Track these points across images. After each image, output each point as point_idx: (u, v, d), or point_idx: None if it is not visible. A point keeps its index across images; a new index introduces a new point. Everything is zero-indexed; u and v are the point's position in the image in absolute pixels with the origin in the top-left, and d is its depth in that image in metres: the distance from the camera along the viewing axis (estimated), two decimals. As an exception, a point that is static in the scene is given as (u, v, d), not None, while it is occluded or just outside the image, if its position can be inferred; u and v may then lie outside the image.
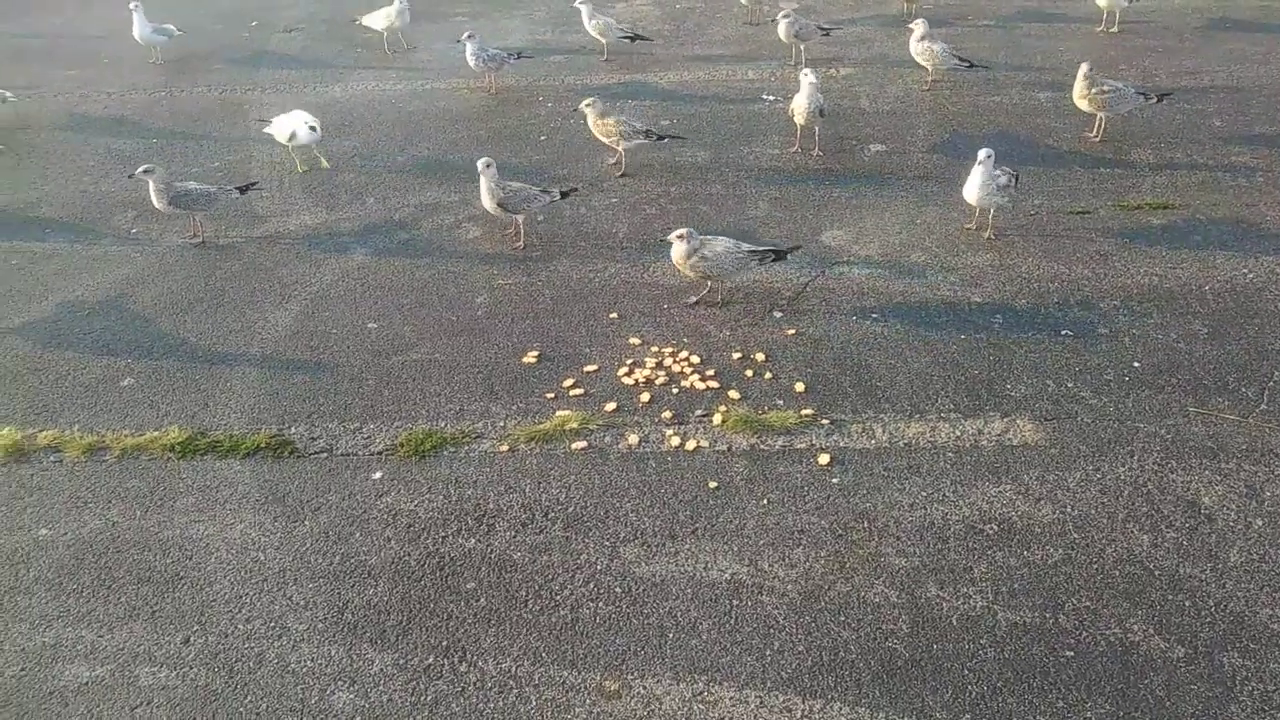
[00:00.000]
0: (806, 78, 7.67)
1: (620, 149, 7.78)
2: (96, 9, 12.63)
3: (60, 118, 9.55)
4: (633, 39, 10.32)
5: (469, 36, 9.19)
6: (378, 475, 4.93)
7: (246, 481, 4.94)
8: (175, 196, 6.93)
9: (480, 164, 6.57)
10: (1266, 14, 10.88)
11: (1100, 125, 8.05)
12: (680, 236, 5.82)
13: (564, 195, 6.88)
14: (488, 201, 6.67)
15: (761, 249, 6.03)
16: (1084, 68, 7.68)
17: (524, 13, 12.11)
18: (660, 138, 7.77)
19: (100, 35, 11.88)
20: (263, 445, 5.15)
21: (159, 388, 5.66)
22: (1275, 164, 7.57)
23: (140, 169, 6.88)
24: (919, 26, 9.03)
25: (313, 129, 7.76)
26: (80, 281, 6.75)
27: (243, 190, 7.25)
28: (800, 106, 7.75)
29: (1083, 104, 7.82)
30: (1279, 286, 6.08)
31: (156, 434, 5.27)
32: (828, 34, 9.95)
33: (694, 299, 6.15)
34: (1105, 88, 7.76)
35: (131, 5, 10.46)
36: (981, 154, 6.36)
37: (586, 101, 7.77)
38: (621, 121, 7.69)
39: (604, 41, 10.31)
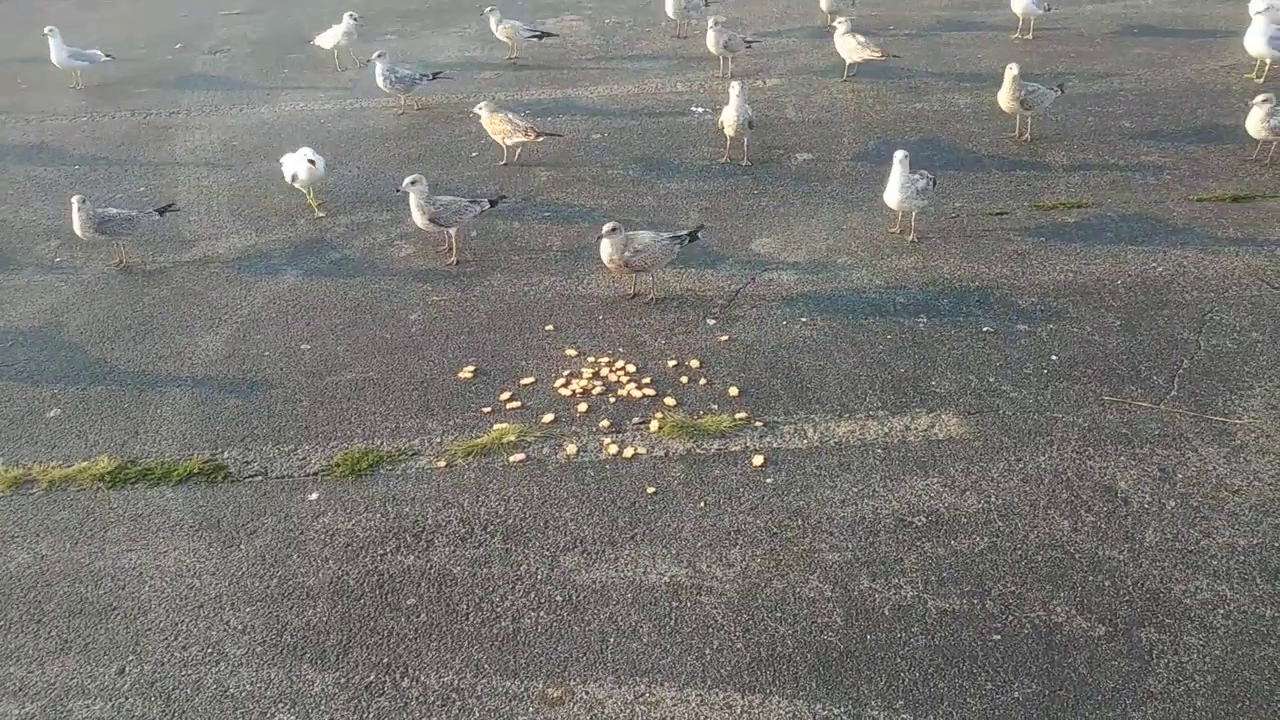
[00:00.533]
0: (734, 90, 7.83)
1: (506, 145, 8.28)
2: (12, 33, 12.34)
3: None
4: (540, 36, 10.74)
5: (379, 56, 9.21)
6: (314, 496, 4.91)
7: (179, 508, 4.88)
8: (100, 223, 6.82)
9: (407, 181, 6.59)
10: (1172, 20, 11.35)
11: (1028, 125, 8.34)
12: (613, 229, 6.00)
13: (493, 204, 6.96)
14: (419, 218, 6.68)
15: (679, 233, 6.33)
16: (1013, 69, 7.93)
17: (456, 30, 12.13)
18: (541, 135, 8.16)
19: (19, 59, 11.62)
20: (195, 471, 5.09)
21: (87, 417, 5.56)
22: (1181, 162, 7.90)
23: (74, 198, 6.75)
24: (841, 24, 9.53)
25: (311, 162, 7.43)
26: (2, 312, 6.60)
27: (161, 212, 7.17)
28: (729, 119, 7.91)
29: (1009, 105, 8.07)
30: (1186, 279, 6.35)
31: (85, 464, 5.17)
32: (750, 46, 10.16)
33: (633, 294, 6.29)
34: (1030, 87, 8.05)
35: (46, 30, 10.27)
36: (897, 155, 6.57)
37: (479, 105, 8.30)
38: (507, 119, 8.15)
39: (510, 44, 10.73)
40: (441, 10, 12.73)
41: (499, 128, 8.16)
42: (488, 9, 10.70)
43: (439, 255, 7.01)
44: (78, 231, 6.82)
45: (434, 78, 9.57)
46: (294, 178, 7.51)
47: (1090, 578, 4.22)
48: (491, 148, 8.71)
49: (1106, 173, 7.81)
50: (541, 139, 8.14)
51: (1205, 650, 3.87)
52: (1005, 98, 8.09)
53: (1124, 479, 4.74)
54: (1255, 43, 8.99)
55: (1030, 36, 10.80)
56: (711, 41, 9.74)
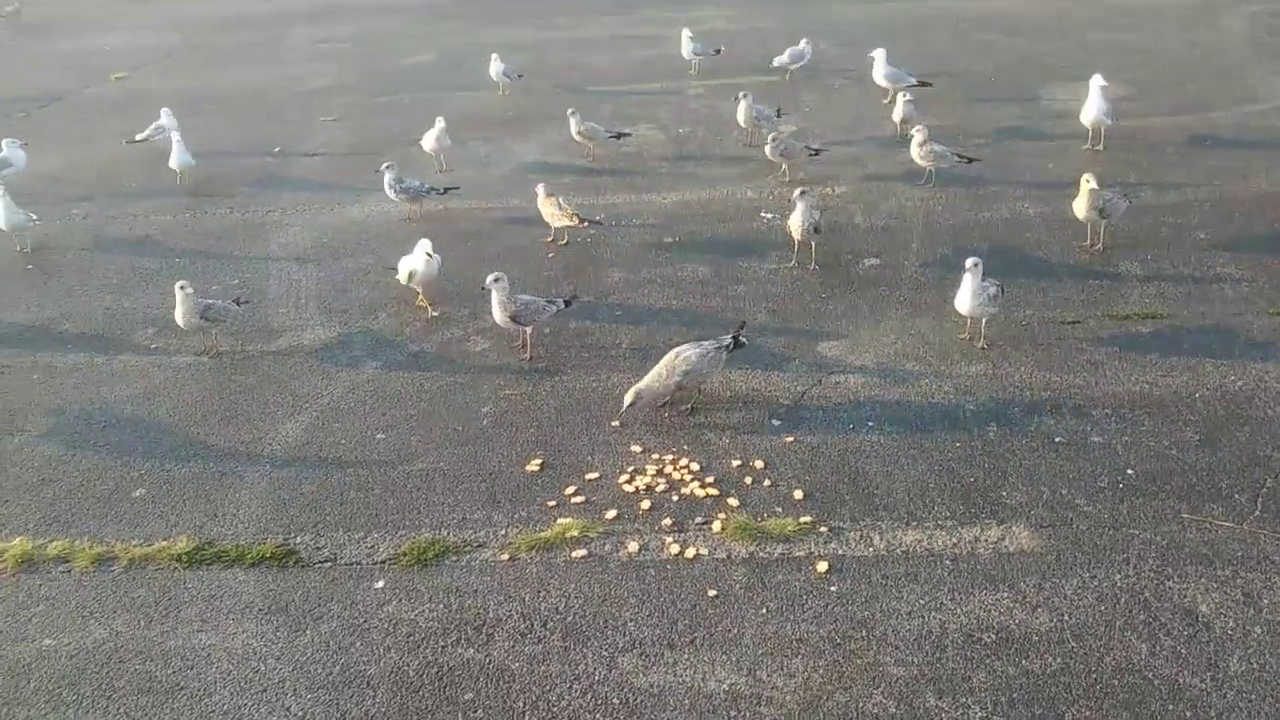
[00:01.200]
0: (799, 198, 7.99)
1: (554, 227, 8.94)
2: (122, 130, 13.25)
3: (87, 238, 9.96)
4: (617, 136, 11.42)
5: (387, 167, 9.55)
6: (380, 584, 5.00)
7: (250, 591, 5.01)
8: (203, 310, 7.17)
9: (489, 279, 6.83)
10: (1244, 130, 11.29)
11: (1101, 234, 8.31)
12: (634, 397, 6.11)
13: (568, 304, 7.15)
14: (499, 315, 6.90)
15: (723, 341, 6.38)
16: (1090, 180, 7.90)
17: (539, 136, 12.63)
18: (585, 221, 8.77)
19: (129, 161, 12.45)
20: (268, 555, 5.24)
21: (169, 498, 5.78)
22: (1259, 274, 7.77)
23: (177, 284, 7.16)
24: (919, 133, 9.71)
25: (430, 256, 7.60)
26: (98, 394, 6.96)
27: (238, 302, 7.52)
28: (796, 223, 8.07)
29: (1086, 214, 8.04)
30: (1268, 394, 6.18)
31: (165, 544, 5.37)
32: (816, 154, 10.40)
33: (687, 407, 6.32)
34: (1106, 196, 8.03)
35: (170, 132, 11.24)
36: (969, 262, 6.60)
37: (538, 185, 8.98)
38: (558, 202, 8.79)
39: (591, 144, 11.36)
40: (525, 119, 13.30)
41: (550, 210, 8.84)
42: (570, 110, 11.27)
43: (513, 351, 7.21)
44: (179, 319, 7.18)
45: (444, 192, 9.91)
46: (411, 275, 7.65)
47: (1170, 706, 4.04)
48: (571, 246, 8.99)
49: (1182, 284, 7.71)
50: (586, 224, 8.78)
51: (1297, 790, 3.65)
52: (1082, 207, 8.07)
53: (1205, 602, 4.57)
54: None
55: (1101, 147, 10.83)
56: (769, 150, 10.10)
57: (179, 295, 7.12)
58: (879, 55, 12.67)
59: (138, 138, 12.18)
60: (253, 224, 10.19)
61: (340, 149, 12.70)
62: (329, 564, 5.17)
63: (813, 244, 8.30)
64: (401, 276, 7.75)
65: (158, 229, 10.19)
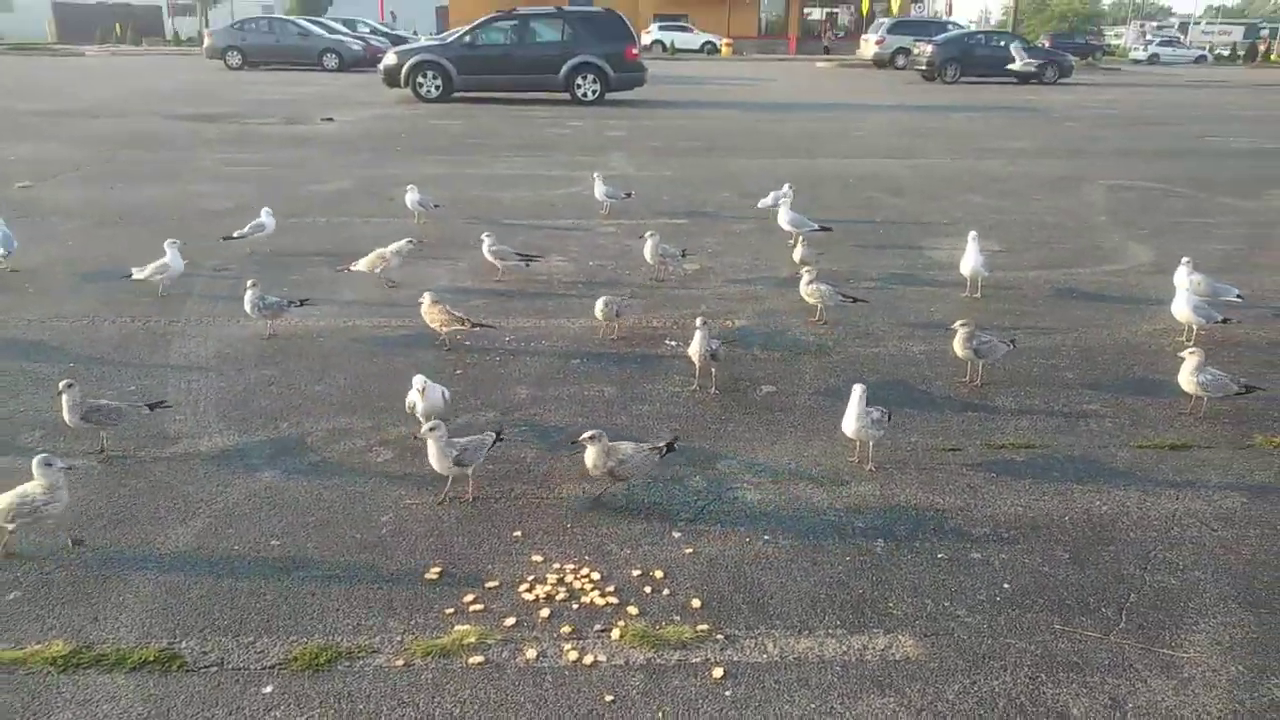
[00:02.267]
0: (698, 324, 8.46)
1: (442, 332, 9.53)
2: (33, 246, 13.03)
3: (-24, 340, 9.67)
4: (527, 261, 12.14)
5: (251, 285, 9.71)
6: (268, 689, 4.85)
7: (129, 696, 4.79)
8: (87, 412, 7.05)
9: (425, 429, 6.49)
10: (1104, 286, 12.40)
11: (979, 372, 8.96)
12: (592, 438, 6.42)
13: (499, 437, 6.96)
14: (441, 464, 6.52)
15: (658, 444, 6.76)
16: (962, 325, 8.70)
17: (449, 262, 12.95)
18: (477, 325, 9.50)
19: (26, 268, 12.22)
20: (150, 659, 5.04)
21: (47, 601, 5.54)
22: (1121, 411, 8.44)
23: (62, 383, 7.03)
24: (807, 273, 10.45)
25: (421, 391, 7.28)
26: (-25, 496, 6.66)
27: (152, 407, 7.42)
28: (695, 350, 8.47)
29: (963, 353, 8.76)
30: (1130, 518, 6.66)
31: (38, 647, 5.11)
32: (685, 255, 12.31)
33: (599, 494, 6.61)
34: (983, 338, 8.71)
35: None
36: (856, 388, 7.04)
37: (423, 294, 9.63)
38: (445, 309, 9.41)
39: (501, 267, 12.01)
40: (437, 246, 13.65)
41: (435, 316, 9.37)
42: (484, 234, 11.91)
43: (415, 461, 7.22)
44: (65, 417, 7.03)
45: (301, 304, 10.18)
46: (412, 406, 7.44)
47: (1045, 803, 4.20)
48: (475, 365, 9.17)
49: (1053, 418, 8.31)
50: (476, 327, 9.43)
51: None
52: (958, 346, 8.73)
53: (1076, 706, 4.81)
54: (1180, 310, 9.89)
55: (978, 295, 11.72)
56: (649, 252, 11.73)
57: (62, 394, 6.99)
58: (784, 202, 13.63)
59: (235, 235, 12.43)
60: (154, 333, 10.07)
61: (248, 266, 12.74)
62: (215, 669, 5.00)
63: (712, 369, 8.68)
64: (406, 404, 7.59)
65: (52, 334, 9.97)
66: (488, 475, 7.06)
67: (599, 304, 9.76)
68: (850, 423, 7.08)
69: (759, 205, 15.12)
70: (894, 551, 6.18)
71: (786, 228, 13.49)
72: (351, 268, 11.45)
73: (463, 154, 22.30)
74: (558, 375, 9.03)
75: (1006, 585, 5.83)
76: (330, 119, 28.44)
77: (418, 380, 7.45)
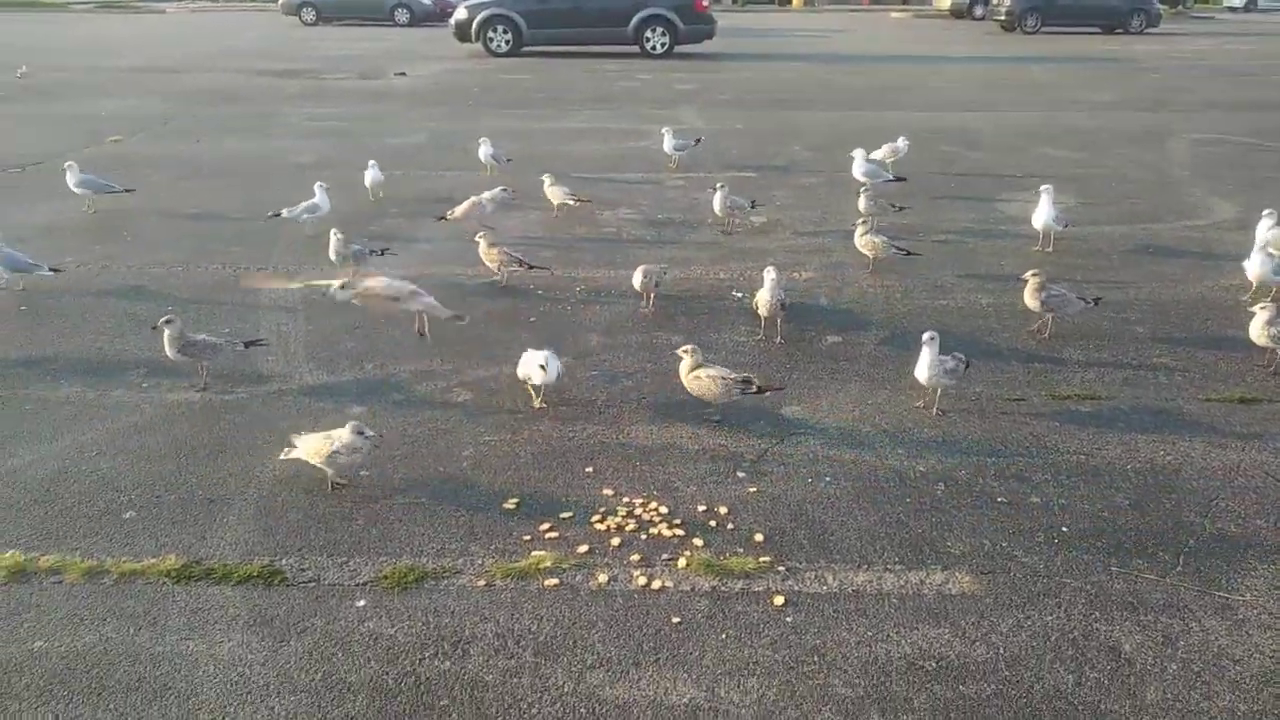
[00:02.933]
0: (768, 275, 8.61)
1: (500, 271, 10.21)
2: (126, 197, 13.70)
3: (79, 285, 10.30)
4: (578, 202, 12.94)
5: (333, 232, 10.32)
6: (361, 603, 5.26)
7: (237, 605, 5.25)
8: (184, 345, 7.54)
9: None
10: (1182, 241, 12.15)
11: (1048, 325, 8.98)
12: (689, 351, 7.14)
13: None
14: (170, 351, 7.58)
15: (747, 378, 7.11)
16: (1032, 276, 8.74)
17: (521, 215, 13.24)
18: (531, 267, 10.08)
19: (122, 216, 12.88)
20: (254, 574, 5.49)
21: (159, 521, 6.03)
22: (1191, 365, 8.39)
23: (162, 319, 7.53)
24: (863, 225, 10.66)
25: (542, 368, 7.27)
26: (90, 426, 7.22)
27: (248, 345, 7.90)
28: (764, 299, 8.63)
29: (1033, 304, 8.78)
30: (1194, 468, 6.69)
31: (154, 561, 5.60)
32: (754, 207, 12.43)
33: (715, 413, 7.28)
34: (1053, 290, 8.72)
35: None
36: (925, 336, 7.16)
37: (478, 235, 10.29)
38: (503, 250, 10.05)
39: (556, 205, 12.94)
40: (510, 198, 13.95)
41: (495, 257, 10.05)
42: (501, 188, 12.57)
43: (494, 400, 7.57)
44: (166, 350, 7.53)
45: (382, 253, 10.70)
46: (527, 378, 7.46)
47: (1092, 728, 4.39)
48: (549, 314, 9.48)
49: (1120, 370, 8.30)
50: (533, 269, 10.13)
51: (1203, 802, 4.00)
52: (1028, 297, 8.75)
53: (1128, 642, 4.96)
54: (1253, 267, 9.68)
55: (1050, 250, 11.60)
56: (718, 204, 12.02)
57: (163, 329, 7.53)
58: (858, 154, 13.60)
59: (283, 213, 12.00)
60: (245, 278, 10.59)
61: (329, 218, 13.20)
62: (312, 584, 5.43)
63: (779, 320, 8.85)
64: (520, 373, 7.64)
65: (150, 279, 10.55)
66: (561, 417, 7.38)
67: (637, 275, 9.52)
68: (923, 370, 7.22)
69: (871, 156, 14.45)
70: (954, 494, 6.34)
71: (860, 178, 13.46)
72: (450, 215, 11.97)
73: (533, 108, 22.52)
74: (626, 324, 9.29)
75: (1065, 528, 5.96)
76: (403, 74, 28.88)
77: (539, 356, 7.30)
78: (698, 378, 7.09)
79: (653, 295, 9.73)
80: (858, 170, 13.53)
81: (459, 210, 11.85)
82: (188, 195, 14.22)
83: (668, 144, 15.65)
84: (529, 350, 7.56)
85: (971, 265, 11.13)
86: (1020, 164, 16.69)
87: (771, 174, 15.86)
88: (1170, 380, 8.13)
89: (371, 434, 6.30)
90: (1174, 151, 17.99)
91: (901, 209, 12.53)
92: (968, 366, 7.46)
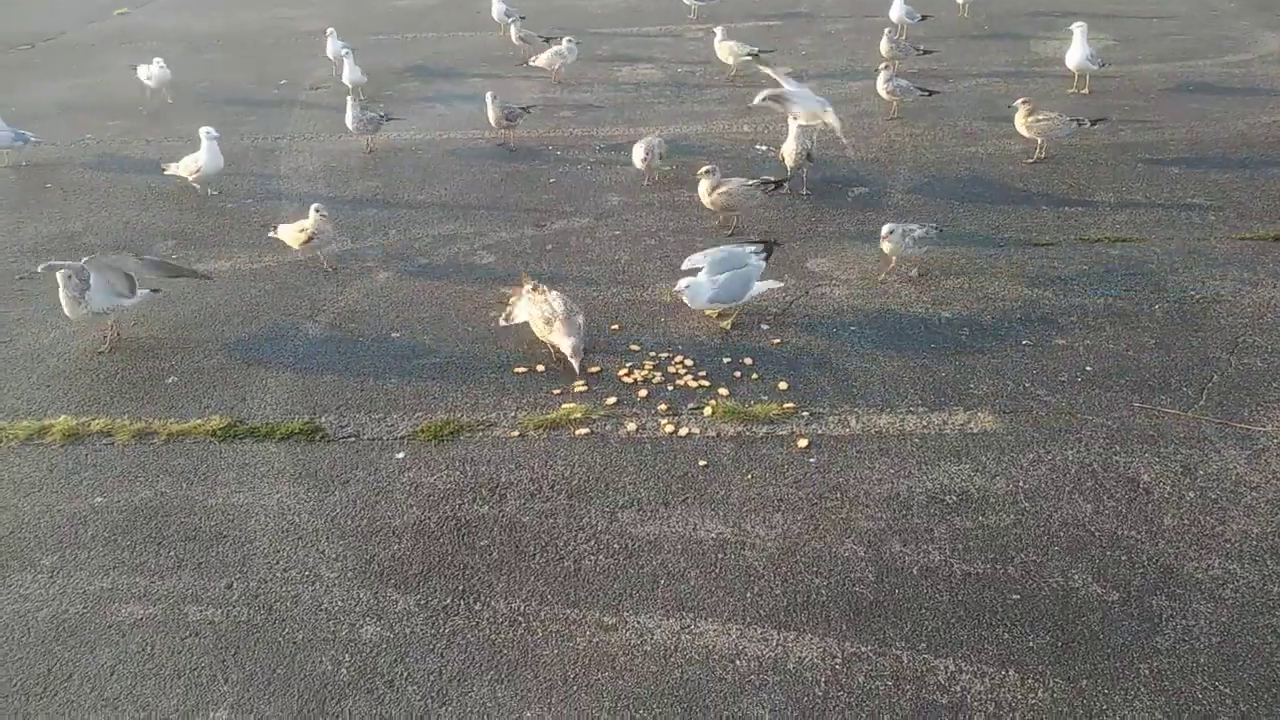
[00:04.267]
0: (793, 125, 8.43)
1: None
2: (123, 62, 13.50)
3: (100, 160, 10.30)
4: (547, 40, 12.93)
5: (351, 104, 9.95)
6: (400, 455, 5.47)
7: (281, 460, 5.48)
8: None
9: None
10: (1226, 78, 11.66)
11: (1040, 148, 9.18)
12: (707, 172, 7.69)
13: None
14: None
15: (766, 179, 7.83)
16: (1022, 104, 9.03)
17: (539, 75, 12.94)
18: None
19: (136, 90, 12.74)
20: (296, 431, 5.70)
21: (201, 385, 6.23)
22: (1226, 204, 8.21)
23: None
24: (885, 70, 10.55)
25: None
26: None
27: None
28: (789, 150, 8.48)
29: (1024, 130, 9.01)
30: (1222, 306, 6.65)
31: (199, 422, 5.82)
32: (929, 95, 10.73)
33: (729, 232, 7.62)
34: (1041, 116, 8.93)
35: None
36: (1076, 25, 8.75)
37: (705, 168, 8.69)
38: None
39: (529, 50, 12.88)
40: (524, 58, 13.60)
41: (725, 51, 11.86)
42: (511, 18, 13.21)
43: (517, 263, 7.61)
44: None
45: (388, 119, 10.34)
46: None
47: (1108, 552, 4.54)
48: (568, 175, 9.39)
49: (1152, 211, 8.15)
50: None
51: (1212, 617, 4.17)
52: (1021, 126, 9.03)
53: (1147, 473, 5.07)
54: None
55: (1086, 91, 11.20)
56: (880, 87, 10.62)
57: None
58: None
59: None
60: (263, 149, 10.54)
61: (342, 84, 12.98)
62: (352, 439, 5.64)
63: (804, 171, 8.70)
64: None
65: (168, 153, 10.48)
66: (584, 277, 7.41)
67: (637, 150, 8.87)
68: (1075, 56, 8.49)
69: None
70: (978, 339, 6.37)
71: (893, 19, 13.01)
72: (531, 61, 12.40)
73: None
74: (645, 182, 9.18)
75: (1089, 368, 6.00)
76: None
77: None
78: (724, 193, 7.66)
79: (655, 172, 9.10)
80: (893, 13, 13.06)
81: (541, 59, 12.34)
82: (199, 69, 13.98)
83: (687, -8, 15.07)
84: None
85: (1002, 110, 10.76)
86: (1055, 1, 15.89)
87: (796, 21, 15.28)
88: (1203, 220, 7.98)
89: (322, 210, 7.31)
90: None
91: (926, 52, 12.08)
92: (940, 231, 7.24)
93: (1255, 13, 14.70)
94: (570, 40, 12.39)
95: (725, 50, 12.16)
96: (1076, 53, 11.00)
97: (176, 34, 16.13)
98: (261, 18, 17.26)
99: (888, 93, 10.42)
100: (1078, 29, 10.96)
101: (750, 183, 7.65)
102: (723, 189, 7.68)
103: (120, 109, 12.13)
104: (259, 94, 12.64)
